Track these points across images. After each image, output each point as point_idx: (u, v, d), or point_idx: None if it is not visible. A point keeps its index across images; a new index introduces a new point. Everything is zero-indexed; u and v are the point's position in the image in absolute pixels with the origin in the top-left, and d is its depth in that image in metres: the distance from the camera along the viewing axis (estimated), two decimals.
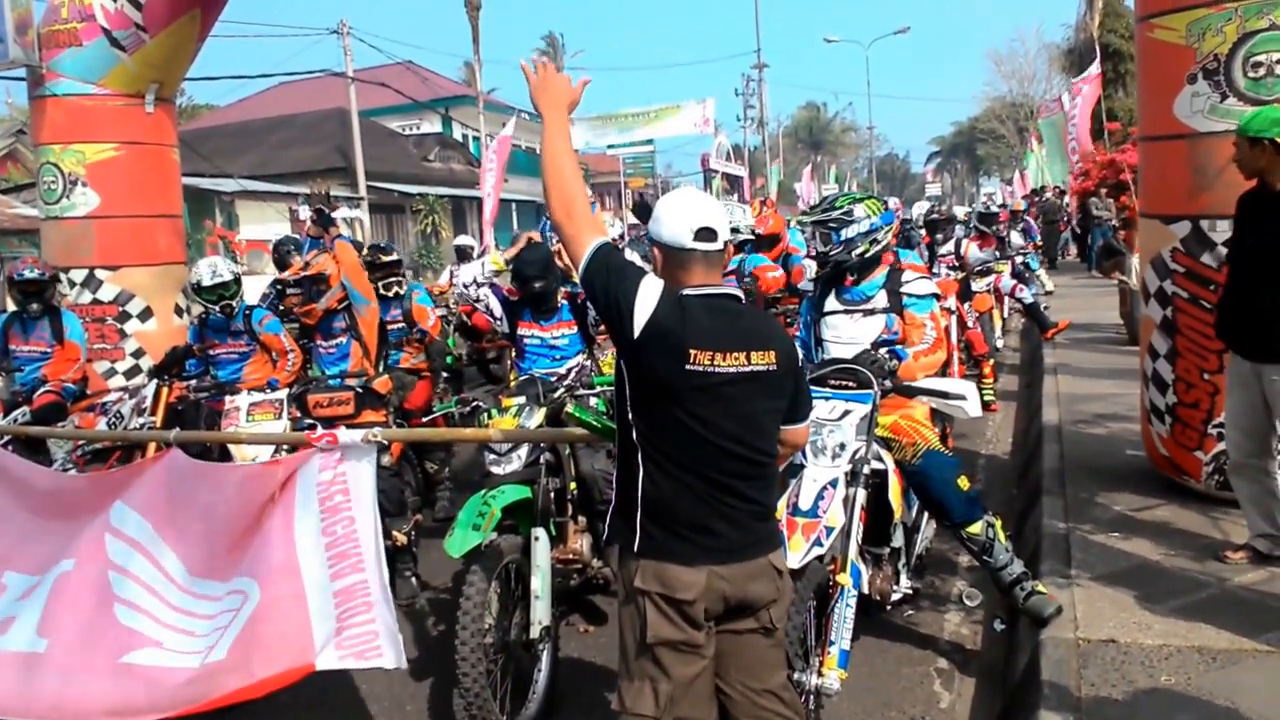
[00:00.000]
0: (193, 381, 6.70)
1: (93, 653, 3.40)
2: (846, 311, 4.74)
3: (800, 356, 2.90)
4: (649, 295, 2.65)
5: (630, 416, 2.75)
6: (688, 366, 2.63)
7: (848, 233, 4.58)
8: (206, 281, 6.58)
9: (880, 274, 4.73)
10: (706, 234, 2.73)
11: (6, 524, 3.90)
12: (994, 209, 13.48)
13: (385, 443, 3.57)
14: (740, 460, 2.73)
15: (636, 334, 2.63)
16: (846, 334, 4.70)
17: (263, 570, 3.42)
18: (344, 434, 3.50)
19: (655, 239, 2.82)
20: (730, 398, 2.68)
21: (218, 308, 6.64)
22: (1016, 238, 14.27)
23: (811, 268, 8.05)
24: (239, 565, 3.47)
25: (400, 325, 7.40)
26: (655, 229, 2.81)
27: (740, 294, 2.89)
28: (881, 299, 4.69)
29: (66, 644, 3.44)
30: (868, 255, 4.65)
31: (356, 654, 3.38)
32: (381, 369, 6.27)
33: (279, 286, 8.68)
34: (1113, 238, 15.27)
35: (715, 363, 2.65)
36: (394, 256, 7.65)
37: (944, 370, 8.30)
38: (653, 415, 2.72)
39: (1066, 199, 23.42)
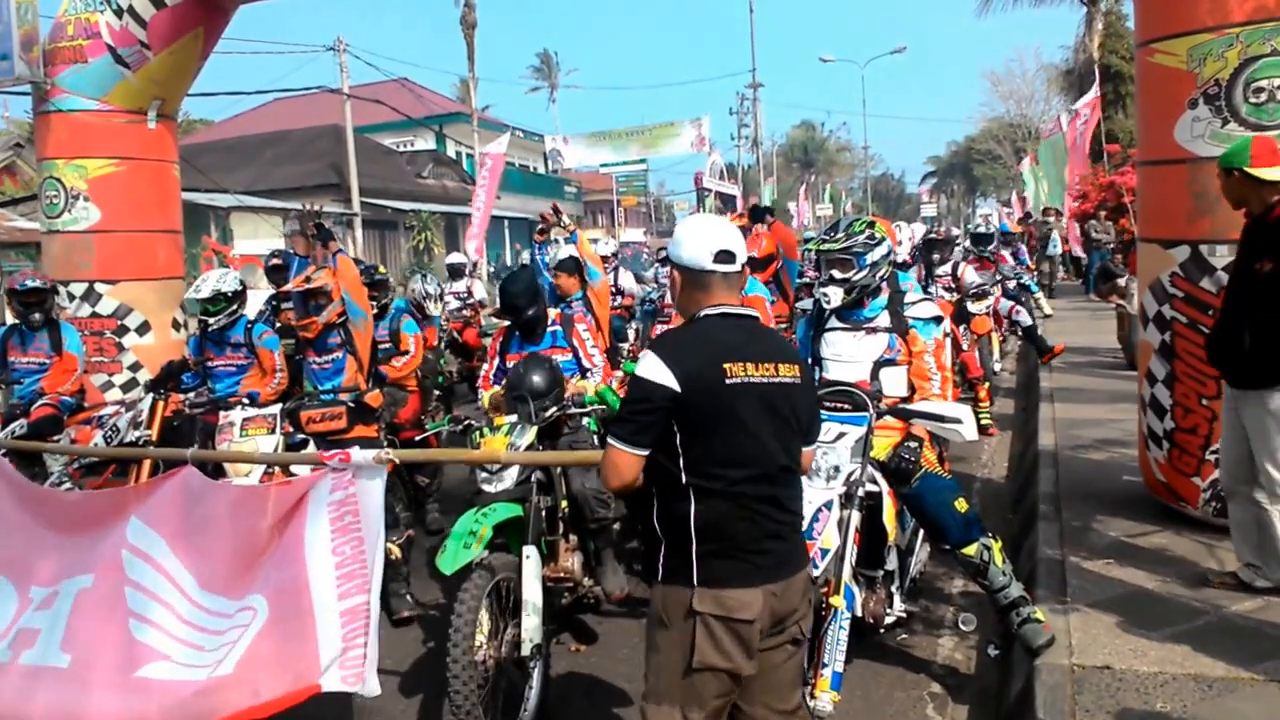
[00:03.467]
0: (190, 395, 6.71)
1: (107, 667, 3.46)
2: (848, 330, 4.73)
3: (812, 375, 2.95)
4: (653, 365, 2.72)
5: (678, 450, 2.76)
6: (727, 381, 2.73)
7: (872, 257, 4.60)
8: (190, 293, 6.61)
9: (883, 294, 4.74)
10: (725, 256, 2.83)
11: (27, 538, 3.95)
12: (988, 230, 13.44)
13: (397, 461, 3.59)
14: (784, 470, 2.83)
15: (679, 388, 2.70)
16: (848, 353, 4.68)
17: (272, 588, 3.46)
18: (357, 453, 3.52)
19: (676, 261, 2.91)
20: (769, 407, 2.78)
21: (211, 320, 6.65)
22: (1009, 260, 14.29)
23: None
24: (252, 582, 3.51)
25: (387, 345, 7.45)
26: (675, 251, 2.91)
27: (757, 314, 2.96)
28: (884, 319, 4.69)
29: (85, 659, 3.50)
30: (887, 277, 4.71)
31: (356, 676, 3.41)
32: (371, 384, 6.27)
33: (275, 302, 8.68)
34: (1110, 261, 15.34)
35: (749, 373, 2.76)
36: (379, 277, 7.79)
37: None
38: (703, 438, 2.75)
39: (1063, 221, 23.44)
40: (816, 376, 4.70)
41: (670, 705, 2.77)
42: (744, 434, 2.75)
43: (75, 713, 3.43)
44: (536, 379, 5.13)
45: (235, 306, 6.79)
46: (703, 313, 2.84)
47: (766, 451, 2.78)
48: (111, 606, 3.59)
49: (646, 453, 2.76)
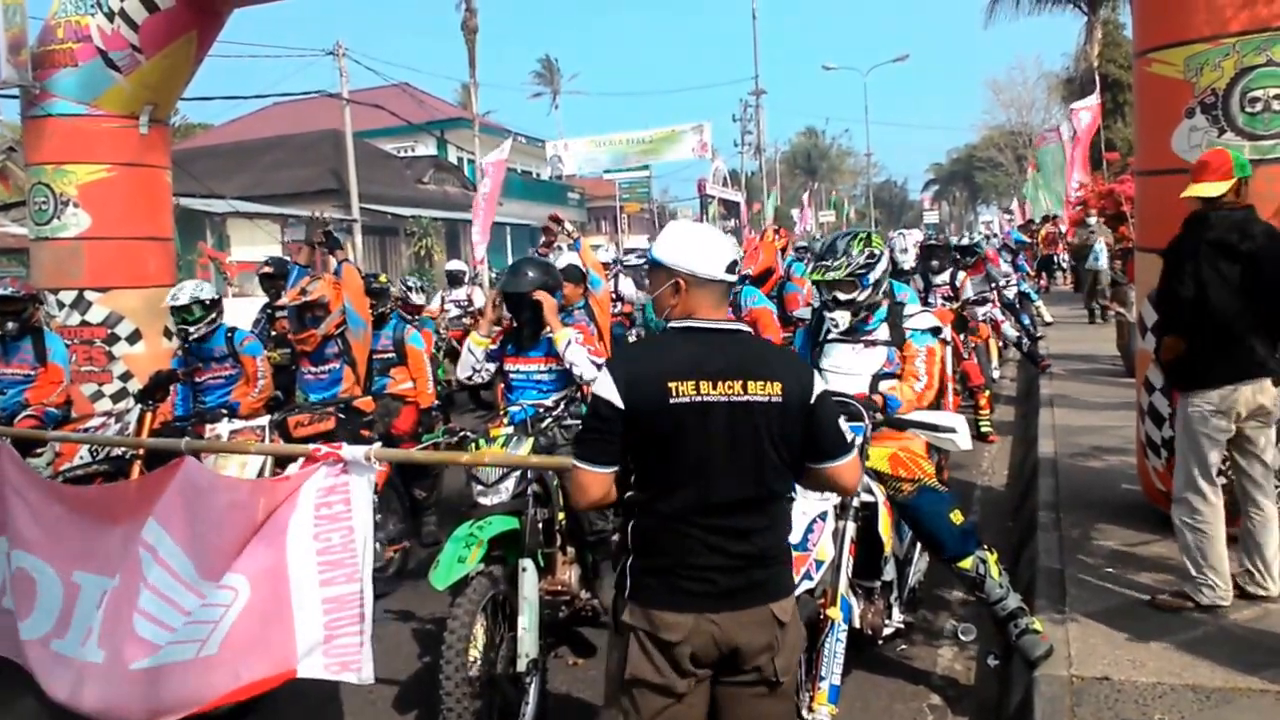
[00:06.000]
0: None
1: (121, 662, 3.63)
2: (847, 342, 4.72)
3: (821, 386, 2.77)
4: (604, 381, 2.67)
5: (630, 462, 2.72)
6: (671, 401, 2.60)
7: (874, 275, 4.60)
8: (166, 302, 6.58)
9: (881, 307, 4.74)
10: (734, 267, 2.79)
11: (54, 523, 4.14)
12: (973, 240, 13.35)
13: (378, 465, 3.61)
14: (741, 497, 2.66)
15: (623, 405, 2.62)
16: (847, 365, 4.69)
17: (253, 569, 3.53)
18: (347, 450, 3.58)
19: (677, 266, 2.76)
20: (729, 429, 2.62)
21: (191, 329, 6.58)
22: (1005, 267, 14.24)
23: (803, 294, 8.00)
24: (234, 560, 3.59)
25: (390, 354, 7.37)
26: (678, 259, 2.76)
27: (746, 327, 2.83)
28: (883, 332, 4.70)
29: (111, 656, 3.69)
30: (885, 289, 4.72)
31: (341, 664, 3.48)
32: (364, 394, 6.23)
33: (269, 311, 8.63)
34: (1110, 268, 15.29)
35: (703, 392, 2.60)
36: (377, 286, 7.72)
37: (940, 401, 8.26)
38: (646, 456, 2.68)
39: (1063, 228, 23.42)
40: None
41: (618, 712, 2.75)
42: (690, 457, 2.62)
43: (109, 706, 3.63)
44: (531, 274, 5.13)
45: (213, 315, 6.63)
46: (674, 324, 2.75)
47: (719, 477, 2.63)
48: (128, 605, 3.71)
49: (610, 470, 2.70)
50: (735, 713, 2.76)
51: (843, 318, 4.62)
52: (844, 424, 2.74)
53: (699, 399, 2.60)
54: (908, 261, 9.55)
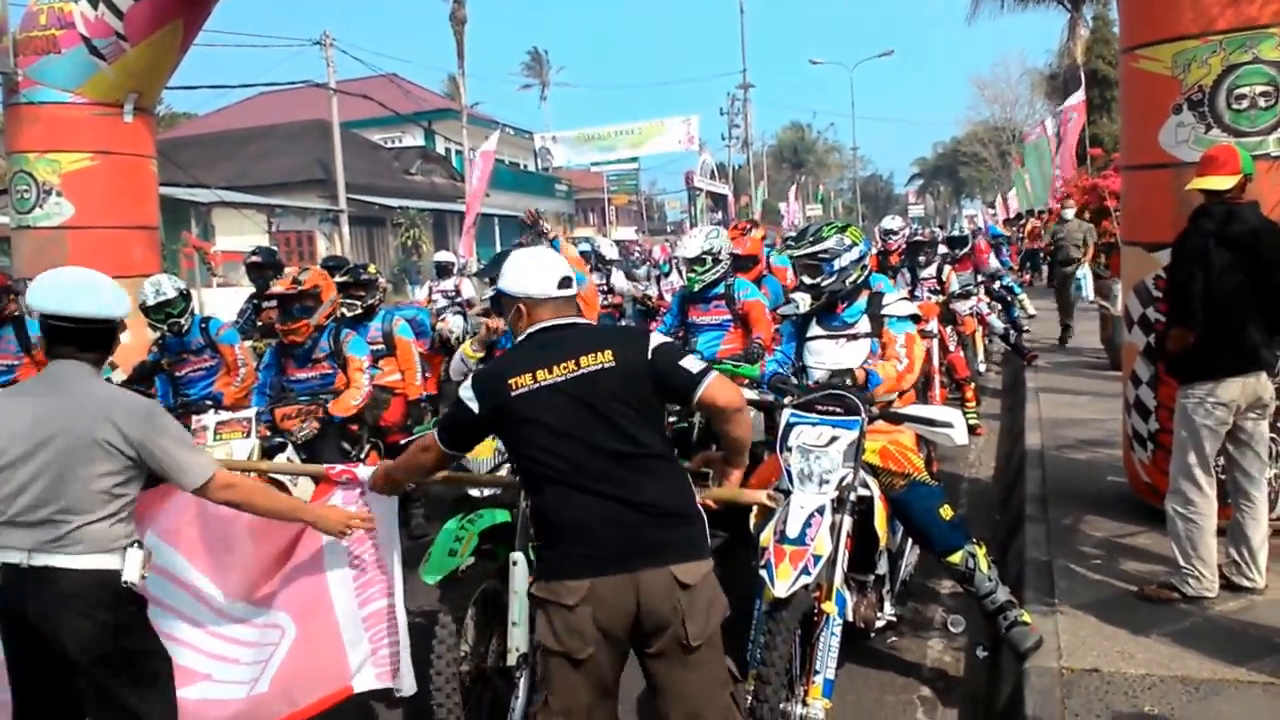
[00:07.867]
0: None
1: None
2: (830, 336, 4.76)
3: (657, 342, 3.10)
4: (465, 387, 3.12)
5: (512, 454, 3.09)
6: (513, 394, 2.99)
7: (840, 262, 4.63)
8: (150, 301, 6.45)
9: (861, 299, 4.78)
10: (566, 282, 3.15)
11: None
12: (964, 232, 13.33)
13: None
14: (608, 456, 2.93)
15: (478, 408, 3.06)
16: (831, 359, 4.72)
17: (296, 605, 3.60)
18: (363, 471, 3.70)
19: (517, 294, 3.14)
20: (576, 401, 2.95)
21: (166, 327, 6.51)
22: (992, 261, 14.25)
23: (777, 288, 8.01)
24: (273, 596, 3.64)
25: (379, 346, 7.28)
26: (515, 287, 3.15)
27: (582, 320, 3.24)
28: (864, 324, 4.74)
29: None
30: (860, 282, 4.72)
31: (389, 672, 3.63)
32: None
33: (256, 301, 8.55)
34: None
35: (539, 379, 2.98)
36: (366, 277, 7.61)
37: (926, 394, 8.28)
38: (514, 444, 3.11)
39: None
40: (801, 384, 4.69)
41: (544, 685, 3.00)
42: (550, 434, 2.95)
43: None
44: None
45: (189, 305, 6.64)
46: (526, 333, 3.11)
47: (584, 443, 2.93)
48: None
49: (451, 453, 3.30)
50: (659, 683, 2.95)
51: (803, 300, 4.78)
52: (692, 360, 3.13)
53: (535, 385, 2.98)
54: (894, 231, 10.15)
